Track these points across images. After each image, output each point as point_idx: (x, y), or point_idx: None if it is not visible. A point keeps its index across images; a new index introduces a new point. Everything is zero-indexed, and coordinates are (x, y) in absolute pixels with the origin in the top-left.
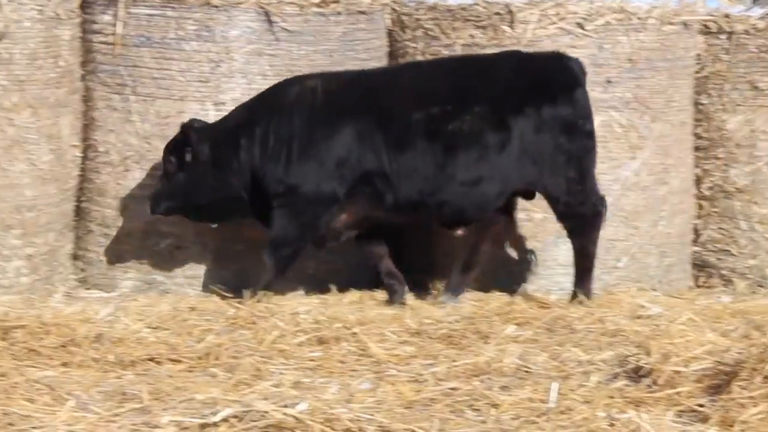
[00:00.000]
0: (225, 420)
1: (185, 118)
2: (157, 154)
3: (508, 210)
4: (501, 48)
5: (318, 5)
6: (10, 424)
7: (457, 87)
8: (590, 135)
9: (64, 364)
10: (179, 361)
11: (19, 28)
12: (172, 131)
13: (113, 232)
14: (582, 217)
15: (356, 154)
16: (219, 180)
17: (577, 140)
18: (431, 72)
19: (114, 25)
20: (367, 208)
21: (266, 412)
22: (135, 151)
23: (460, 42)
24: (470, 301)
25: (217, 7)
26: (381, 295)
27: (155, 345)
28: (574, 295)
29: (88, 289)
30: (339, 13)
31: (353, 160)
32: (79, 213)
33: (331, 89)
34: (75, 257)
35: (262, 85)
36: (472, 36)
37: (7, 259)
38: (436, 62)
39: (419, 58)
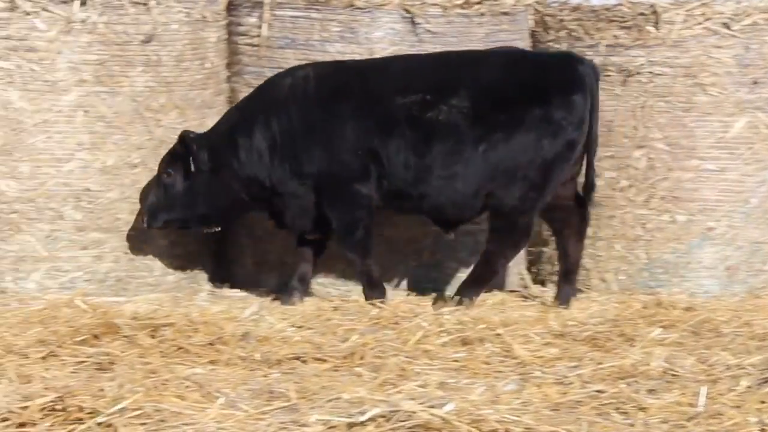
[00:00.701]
0: (372, 419)
1: None
2: None
3: (579, 204)
4: (646, 49)
5: (461, 6)
6: (162, 421)
7: (442, 79)
8: (571, 144)
9: (212, 362)
10: (324, 360)
11: (166, 31)
12: None
13: (257, 232)
14: (514, 228)
15: (362, 132)
16: (220, 187)
17: (556, 147)
18: (422, 62)
19: (259, 27)
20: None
21: (413, 412)
22: None
23: (604, 43)
24: (614, 303)
25: (361, 8)
26: (521, 295)
27: (300, 344)
28: (452, 297)
29: (233, 288)
30: (482, 14)
31: (362, 138)
32: None
33: (324, 74)
34: (219, 257)
35: None
36: (616, 36)
37: (153, 258)
38: (431, 54)
39: None
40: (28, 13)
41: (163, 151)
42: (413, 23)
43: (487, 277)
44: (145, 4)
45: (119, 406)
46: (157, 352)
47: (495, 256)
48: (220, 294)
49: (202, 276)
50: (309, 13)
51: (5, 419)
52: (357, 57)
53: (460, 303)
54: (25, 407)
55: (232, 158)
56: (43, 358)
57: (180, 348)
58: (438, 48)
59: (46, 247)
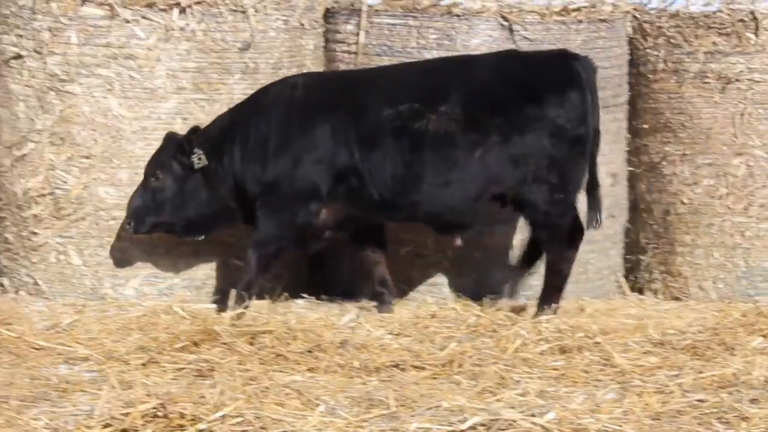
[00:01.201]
0: (473, 428)
1: None
2: None
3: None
4: (745, 56)
5: (559, 13)
6: (263, 428)
7: (434, 85)
8: (579, 140)
9: (311, 369)
10: (423, 368)
11: (264, 38)
12: None
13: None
14: (559, 230)
15: (339, 148)
16: (208, 191)
17: (561, 144)
18: (413, 70)
19: (356, 34)
20: (347, 205)
21: (514, 420)
22: None
23: (703, 50)
24: (713, 312)
25: (458, 16)
26: (618, 304)
27: (398, 351)
28: (539, 311)
29: (329, 295)
30: (580, 21)
31: (337, 154)
32: None
33: (312, 86)
34: (316, 264)
35: None
36: (714, 43)
37: None
38: (424, 60)
39: (660, 66)
40: (127, 21)
41: None
42: (511, 30)
43: (559, 284)
44: (243, 12)
45: (220, 413)
46: (256, 359)
47: (559, 263)
48: (315, 301)
49: (299, 283)
50: (406, 21)
51: (108, 425)
52: None
53: (554, 313)
54: (127, 413)
55: (220, 163)
56: (144, 364)
57: (278, 355)
58: None
59: (145, 254)
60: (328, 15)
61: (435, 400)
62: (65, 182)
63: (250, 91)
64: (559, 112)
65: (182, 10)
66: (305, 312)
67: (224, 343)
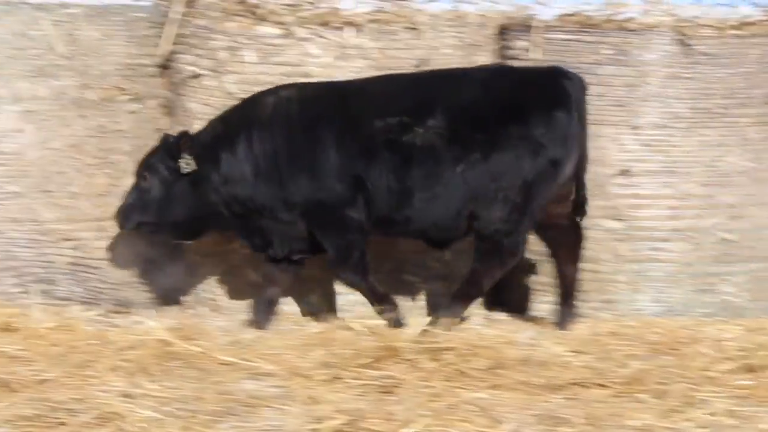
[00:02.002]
0: None
1: (601, 143)
2: None
3: (572, 224)
4: None
5: (735, 27)
6: None
7: (421, 100)
8: (555, 164)
9: (493, 387)
10: (606, 386)
11: (438, 55)
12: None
13: (530, 256)
14: (497, 248)
15: (346, 157)
16: (197, 197)
17: (538, 166)
18: (402, 83)
19: (529, 50)
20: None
21: None
22: None
23: None
24: None
25: (633, 31)
26: None
27: (580, 369)
28: (434, 318)
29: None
30: (756, 35)
31: (346, 163)
32: None
33: (306, 97)
34: None
35: (679, 109)
36: None
37: (424, 282)
38: (412, 73)
39: None
40: (302, 40)
41: None
42: (686, 45)
43: (472, 295)
44: (417, 30)
45: (410, 430)
46: (440, 375)
47: (480, 275)
48: (492, 317)
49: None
50: (580, 36)
51: None
52: (629, 79)
53: (437, 321)
54: (316, 429)
55: (213, 171)
56: (328, 380)
57: (461, 372)
58: (710, 69)
59: (320, 270)
60: (502, 31)
61: (622, 419)
62: None
63: None
64: (542, 132)
65: (357, 29)
66: (482, 329)
67: (407, 360)
